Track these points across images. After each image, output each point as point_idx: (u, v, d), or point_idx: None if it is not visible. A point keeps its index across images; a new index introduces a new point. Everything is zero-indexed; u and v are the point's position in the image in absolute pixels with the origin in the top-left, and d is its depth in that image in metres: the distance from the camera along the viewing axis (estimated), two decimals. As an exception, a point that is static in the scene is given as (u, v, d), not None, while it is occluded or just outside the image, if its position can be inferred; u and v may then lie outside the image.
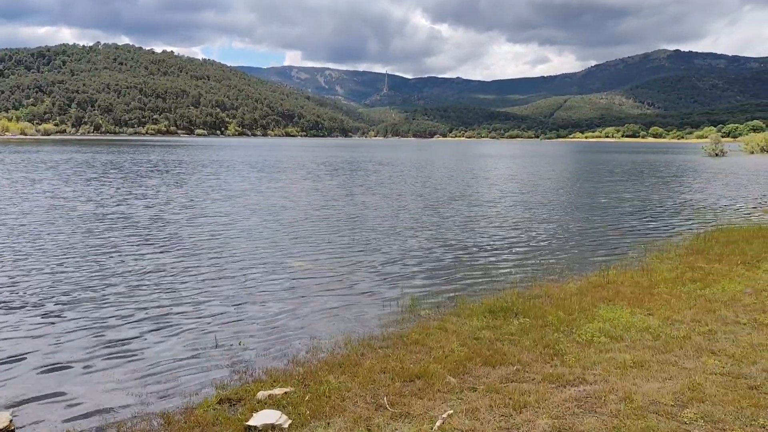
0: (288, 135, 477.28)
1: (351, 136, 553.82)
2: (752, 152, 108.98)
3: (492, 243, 16.40)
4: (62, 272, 12.43)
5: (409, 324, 9.09)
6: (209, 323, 9.24)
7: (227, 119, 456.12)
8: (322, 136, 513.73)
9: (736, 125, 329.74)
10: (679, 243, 16.22)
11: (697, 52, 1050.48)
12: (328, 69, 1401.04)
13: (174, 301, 10.44)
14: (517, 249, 15.50)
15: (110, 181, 34.52)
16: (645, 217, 22.08)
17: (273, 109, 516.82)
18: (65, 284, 11.49)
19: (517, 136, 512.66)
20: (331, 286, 11.55)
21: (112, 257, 13.92)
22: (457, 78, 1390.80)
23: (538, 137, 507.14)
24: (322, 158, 77.18)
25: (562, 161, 78.75)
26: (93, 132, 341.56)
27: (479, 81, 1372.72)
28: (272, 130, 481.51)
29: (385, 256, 14.23)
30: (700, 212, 23.66)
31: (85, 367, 7.58)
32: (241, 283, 11.67)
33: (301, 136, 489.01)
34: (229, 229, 18.20)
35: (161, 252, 14.65)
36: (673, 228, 19.59)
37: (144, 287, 11.34)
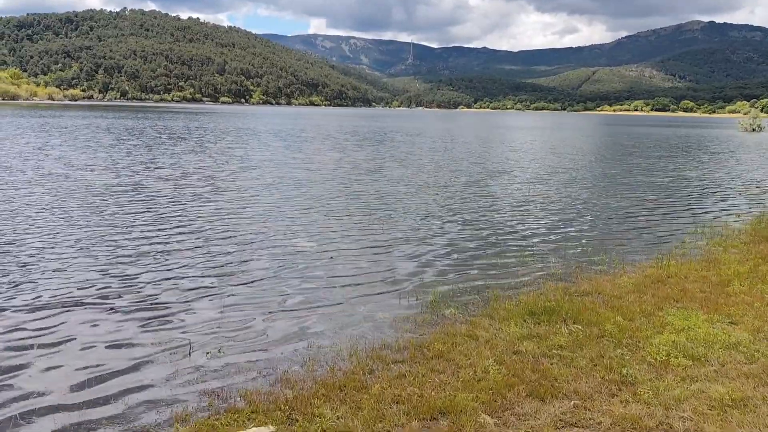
0: (312, 104, 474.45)
1: (375, 106, 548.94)
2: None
3: (529, 226, 14.53)
4: (43, 245, 10.93)
5: (431, 328, 7.39)
6: (187, 321, 7.64)
7: (252, 87, 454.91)
8: (346, 106, 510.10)
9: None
10: (739, 228, 14.22)
11: (732, 24, 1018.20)
12: (353, 38, 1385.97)
13: (151, 288, 8.86)
14: (557, 233, 13.63)
15: (127, 148, 33.10)
16: (694, 197, 19.97)
17: (297, 78, 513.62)
18: (48, 258, 9.98)
19: (543, 108, 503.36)
20: (340, 274, 9.87)
21: (100, 234, 12.40)
22: (483, 48, 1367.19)
23: (564, 109, 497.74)
24: (348, 128, 75.09)
25: (596, 134, 75.79)
26: (119, 98, 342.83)
27: (506, 51, 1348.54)
28: (296, 99, 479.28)
29: (407, 240, 12.48)
30: (754, 192, 21.46)
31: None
32: (236, 268, 10.04)
33: (325, 105, 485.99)
34: (239, 204, 16.57)
35: (152, 229, 13.08)
36: (728, 209, 17.51)
37: (124, 266, 9.78)
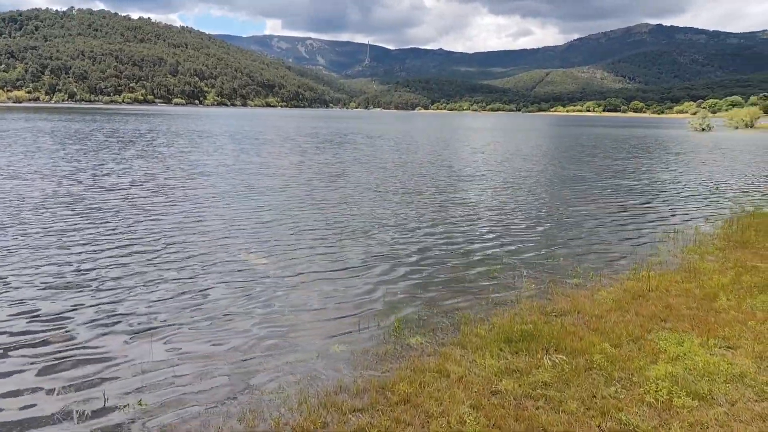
0: (268, 105, 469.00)
1: (332, 107, 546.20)
2: (736, 127, 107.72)
3: (497, 237, 13.69)
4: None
5: (395, 362, 6.40)
6: (104, 356, 6.47)
7: (206, 88, 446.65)
8: (303, 107, 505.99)
9: (716, 100, 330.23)
10: (711, 232, 13.69)
11: (678, 27, 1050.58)
12: (310, 39, 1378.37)
13: (72, 324, 7.63)
14: (527, 243, 12.82)
15: (70, 154, 31.07)
16: (661, 199, 19.53)
17: (253, 79, 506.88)
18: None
19: (498, 109, 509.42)
20: (293, 296, 8.79)
21: (20, 250, 11.01)
22: (439, 49, 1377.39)
23: (519, 110, 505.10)
24: (307, 129, 73.39)
25: (555, 135, 76.19)
26: (67, 100, 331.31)
27: (461, 53, 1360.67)
28: (252, 101, 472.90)
29: (367, 254, 11.47)
30: (718, 193, 21.20)
31: None
32: (175, 293, 8.86)
33: (281, 106, 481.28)
34: (189, 216, 15.25)
35: (85, 248, 11.74)
36: (696, 212, 17.07)
37: (41, 296, 8.49)
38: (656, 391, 5.44)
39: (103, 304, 8.21)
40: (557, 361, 6.17)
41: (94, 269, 9.82)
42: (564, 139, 64.36)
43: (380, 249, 11.72)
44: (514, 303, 8.43)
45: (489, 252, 11.69)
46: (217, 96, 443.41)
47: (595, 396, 5.42)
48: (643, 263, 10.78)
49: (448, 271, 10.24)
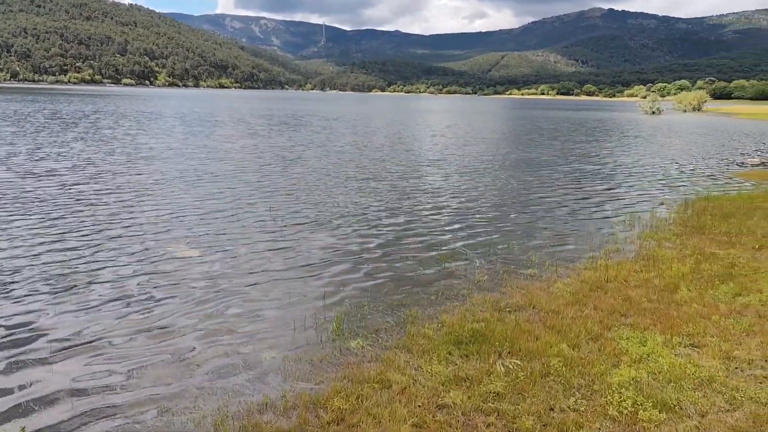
0: (222, 86, 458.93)
1: (287, 89, 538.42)
2: (685, 110, 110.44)
3: (449, 224, 13.07)
4: None
5: (332, 371, 5.68)
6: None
7: (156, 68, 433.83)
8: (258, 88, 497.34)
9: (665, 84, 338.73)
10: (668, 217, 13.38)
11: (629, 12, 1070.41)
12: (264, 18, 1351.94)
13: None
14: (481, 229, 12.25)
15: (4, 137, 29.11)
16: (617, 184, 19.27)
17: (205, 59, 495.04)
18: None
19: (455, 92, 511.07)
20: (222, 294, 7.96)
21: None
22: (396, 31, 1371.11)
23: (475, 93, 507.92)
24: (262, 111, 71.25)
25: (513, 118, 76.31)
26: (9, 80, 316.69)
27: (418, 35, 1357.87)
28: (205, 81, 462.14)
29: (313, 246, 10.67)
30: (673, 177, 21.12)
31: None
32: (92, 294, 7.93)
33: (235, 87, 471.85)
34: (119, 204, 14.17)
35: (14, 242, 10.62)
36: (652, 196, 16.83)
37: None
38: (620, 402, 4.87)
39: (16, 314, 7.24)
40: (511, 366, 5.56)
41: (10, 268, 8.78)
42: (522, 122, 64.45)
43: (327, 240, 10.96)
44: (466, 297, 7.81)
45: (441, 240, 11.05)
46: (169, 76, 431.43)
47: (552, 409, 4.83)
48: (600, 251, 10.33)
49: (398, 262, 9.55)
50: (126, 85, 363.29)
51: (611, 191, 17.39)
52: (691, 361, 5.63)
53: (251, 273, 8.78)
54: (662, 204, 15.34)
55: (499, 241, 11.03)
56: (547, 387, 5.20)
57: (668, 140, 38.92)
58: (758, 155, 28.84)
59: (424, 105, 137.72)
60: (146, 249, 9.87)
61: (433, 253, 10.06)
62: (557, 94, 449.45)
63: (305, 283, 8.41)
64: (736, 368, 5.53)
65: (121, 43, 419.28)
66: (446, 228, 12.03)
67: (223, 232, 11.23)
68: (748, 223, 12.13)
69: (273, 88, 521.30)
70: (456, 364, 5.66)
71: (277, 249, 10.12)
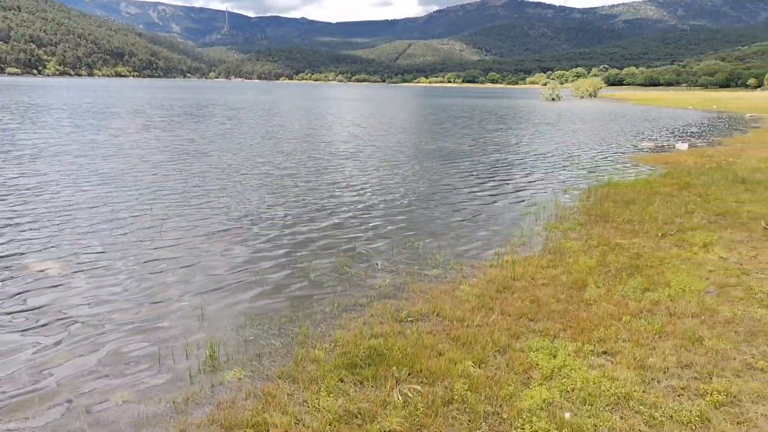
0: (118, 75, 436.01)
1: (189, 78, 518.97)
2: (582, 97, 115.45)
3: (350, 221, 12.30)
4: None
5: (198, 415, 4.73)
6: None
7: (45, 57, 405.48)
8: (158, 77, 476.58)
9: (563, 71, 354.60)
10: (572, 205, 13.21)
11: (528, 1, 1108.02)
12: (162, 4, 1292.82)
13: None
14: (384, 226, 11.54)
15: None
16: (523, 173, 19.14)
17: (99, 47, 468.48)
18: None
19: (364, 80, 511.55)
20: (82, 319, 6.77)
21: None
22: (302, 18, 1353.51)
23: (384, 81, 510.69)
24: (162, 101, 67.17)
25: (423, 106, 76.48)
26: None
27: (324, 22, 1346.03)
28: (99, 70, 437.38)
29: (193, 252, 9.55)
30: (573, 162, 21.33)
31: None
32: None
33: (133, 76, 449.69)
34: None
35: None
36: (555, 184, 16.77)
37: None
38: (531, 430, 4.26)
39: None
40: (410, 394, 4.84)
41: None
42: (435, 110, 64.62)
43: (215, 247, 9.87)
44: (365, 307, 7.05)
45: (343, 242, 10.23)
46: (59, 65, 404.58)
47: (457, 449, 4.14)
48: (506, 245, 9.87)
49: (294, 270, 8.64)
50: (11, 74, 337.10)
51: (519, 181, 17.20)
52: (606, 374, 5.13)
53: (116, 292, 7.61)
54: (566, 192, 15.25)
55: (404, 239, 10.34)
56: (451, 418, 4.51)
57: (570, 126, 39.99)
58: (651, 139, 29.96)
59: (334, 93, 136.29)
60: (7, 262, 8.42)
61: (332, 257, 9.21)
62: (463, 82, 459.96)
63: (180, 300, 7.34)
64: (653, 379, 5.07)
65: (3, 29, 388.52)
66: (351, 228, 11.22)
67: (96, 241, 9.88)
68: (649, 209, 12.12)
69: (174, 77, 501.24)
70: (348, 395, 4.88)
71: (153, 260, 8.93)
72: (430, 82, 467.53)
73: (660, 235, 10.08)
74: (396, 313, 6.72)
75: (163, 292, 7.58)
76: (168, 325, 6.56)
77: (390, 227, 11.22)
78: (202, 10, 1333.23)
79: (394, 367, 5.23)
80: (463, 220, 11.93)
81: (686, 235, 9.96)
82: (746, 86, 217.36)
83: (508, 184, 16.46)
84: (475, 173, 18.20)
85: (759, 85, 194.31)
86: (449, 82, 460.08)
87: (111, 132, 28.80)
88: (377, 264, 8.79)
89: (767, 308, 6.66)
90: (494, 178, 17.34)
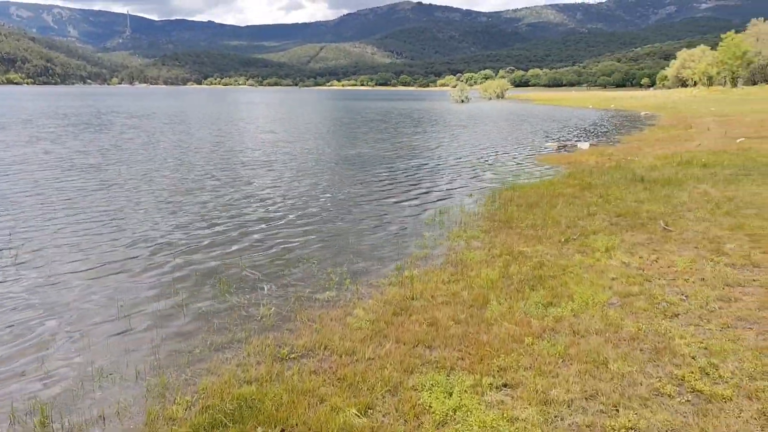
0: (11, 82, 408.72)
1: (90, 84, 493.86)
2: (490, 98, 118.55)
3: (243, 237, 11.36)
4: None
5: None
6: None
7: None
8: (55, 84, 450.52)
9: (472, 74, 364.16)
10: (476, 211, 12.83)
11: (436, 5, 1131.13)
12: (57, 7, 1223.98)
13: None
14: (274, 243, 10.68)
15: None
16: (432, 178, 18.73)
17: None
18: None
19: (276, 84, 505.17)
20: None
21: None
22: (209, 22, 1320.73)
23: (296, 84, 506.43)
24: (58, 110, 62.06)
25: (335, 110, 75.56)
26: None
27: (233, 26, 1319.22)
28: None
29: (46, 289, 8.37)
30: (479, 165, 21.20)
31: None
32: None
33: (28, 83, 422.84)
34: None
35: None
36: (461, 187, 16.45)
37: None
38: (418, 505, 3.58)
39: None
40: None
41: None
42: (349, 113, 63.84)
43: (79, 281, 8.68)
44: (241, 343, 6.19)
45: (229, 263, 9.27)
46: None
47: None
48: (408, 258, 9.27)
49: (164, 301, 7.63)
50: None
51: (427, 187, 16.72)
52: (505, 414, 4.54)
53: (-52, 338, 6.37)
54: (471, 196, 14.92)
55: (299, 257, 9.51)
56: (325, 490, 3.77)
57: (479, 128, 40.40)
58: (554, 139, 30.58)
59: (245, 98, 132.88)
60: None
61: (214, 284, 8.23)
62: (376, 84, 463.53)
63: (23, 350, 6.21)
64: (556, 416, 4.53)
65: None
66: (246, 248, 10.26)
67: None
68: (552, 212, 11.91)
69: (73, 83, 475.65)
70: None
71: (5, 299, 7.68)
72: (343, 86, 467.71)
73: (563, 240, 9.79)
74: (277, 350, 5.91)
75: (5, 346, 6.41)
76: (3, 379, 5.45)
77: (289, 244, 10.35)
78: (101, 13, 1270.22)
79: (259, 428, 4.42)
80: (365, 233, 11.24)
81: (589, 240, 9.72)
82: (640, 85, 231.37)
83: (416, 190, 15.96)
84: (385, 180, 17.58)
85: (652, 84, 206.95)
86: (362, 85, 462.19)
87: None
88: (264, 288, 7.93)
89: (670, 319, 6.36)
90: (403, 185, 16.80)
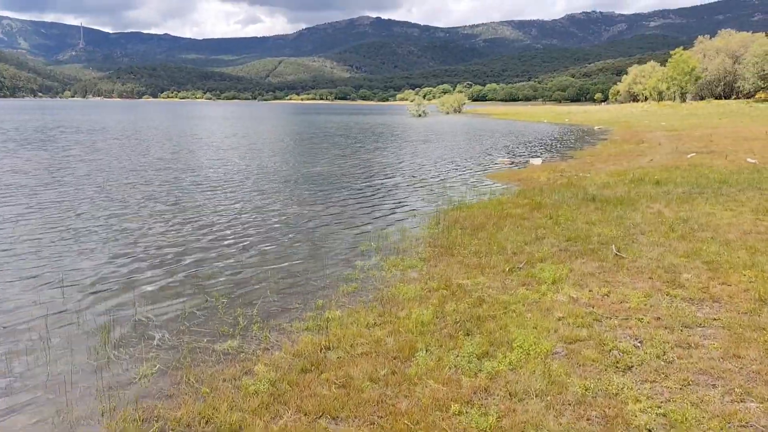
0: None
1: (41, 97, 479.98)
2: (447, 112, 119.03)
3: (141, 274, 10.10)
4: None
5: None
6: None
7: None
8: (4, 96, 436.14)
9: (431, 88, 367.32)
10: (416, 234, 11.82)
11: (395, 20, 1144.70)
12: (6, 18, 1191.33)
13: None
14: (177, 278, 9.47)
15: None
16: (373, 194, 17.72)
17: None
18: None
19: (234, 98, 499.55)
20: None
21: None
22: (166, 35, 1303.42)
23: (255, 98, 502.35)
24: (3, 124, 59.13)
25: (294, 124, 74.08)
26: None
27: (189, 39, 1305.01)
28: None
29: None
30: (427, 183, 20.27)
31: None
32: None
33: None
34: None
35: None
36: (404, 205, 15.46)
37: None
38: None
39: None
40: None
41: None
42: (309, 128, 62.32)
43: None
44: (102, 418, 4.97)
45: (120, 303, 8.00)
46: None
47: None
48: (333, 294, 8.17)
49: (32, 358, 6.35)
50: None
51: (374, 207, 15.62)
52: None
53: None
54: (415, 216, 13.93)
55: (207, 294, 8.31)
56: None
57: (436, 143, 39.69)
58: (507, 155, 30.00)
59: (202, 112, 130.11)
60: None
61: (96, 331, 6.98)
62: (335, 98, 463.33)
63: None
64: None
65: None
66: (146, 283, 9.00)
67: None
68: (498, 236, 11.00)
69: (23, 97, 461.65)
70: None
71: None
72: (302, 100, 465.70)
73: (507, 270, 8.84)
74: (144, 427, 4.73)
75: None
76: None
77: (200, 278, 9.13)
78: (53, 25, 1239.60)
79: None
80: (293, 260, 10.09)
81: (535, 269, 8.80)
82: (594, 100, 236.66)
83: (362, 211, 14.86)
84: (334, 201, 16.36)
85: (605, 99, 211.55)
86: (321, 99, 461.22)
87: None
88: (154, 337, 6.71)
89: (623, 374, 5.42)
90: (351, 206, 15.64)
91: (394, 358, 5.92)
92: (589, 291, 7.78)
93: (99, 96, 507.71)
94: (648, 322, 6.64)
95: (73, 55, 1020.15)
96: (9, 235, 11.67)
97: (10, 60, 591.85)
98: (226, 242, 11.41)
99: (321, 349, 6.22)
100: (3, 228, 12.31)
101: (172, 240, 11.55)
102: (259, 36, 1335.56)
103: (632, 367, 5.57)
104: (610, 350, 5.92)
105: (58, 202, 15.38)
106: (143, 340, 6.64)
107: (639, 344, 6.06)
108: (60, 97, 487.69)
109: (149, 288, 8.60)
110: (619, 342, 6.10)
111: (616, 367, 5.56)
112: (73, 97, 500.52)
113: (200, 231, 12.34)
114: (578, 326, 6.56)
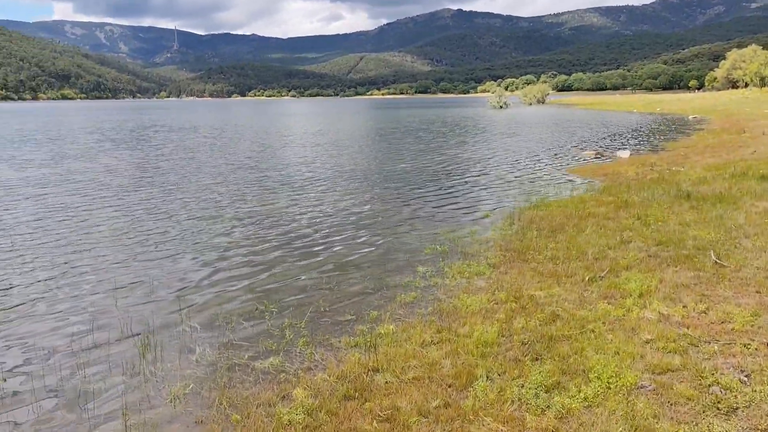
0: (65, 98, 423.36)
1: (140, 98, 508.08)
2: (530, 104, 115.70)
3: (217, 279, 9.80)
4: None
5: None
6: None
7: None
8: (106, 98, 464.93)
9: (513, 79, 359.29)
10: (487, 236, 10.94)
11: (477, 12, 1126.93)
12: (108, 24, 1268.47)
13: None
14: (233, 285, 9.09)
15: None
16: (454, 194, 16.90)
17: (44, 69, 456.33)
18: None
19: (317, 95, 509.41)
20: None
21: None
22: (253, 35, 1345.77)
23: (337, 95, 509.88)
24: (97, 125, 61.96)
25: (377, 120, 74.18)
26: None
27: (276, 38, 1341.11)
28: (44, 93, 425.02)
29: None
30: (505, 179, 19.19)
31: None
32: None
33: (81, 98, 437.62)
34: None
35: None
36: (478, 204, 14.57)
37: None
38: None
39: None
40: None
41: None
42: (391, 123, 62.15)
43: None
44: (122, 449, 4.55)
45: (168, 310, 7.68)
46: (0, 89, 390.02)
47: None
48: (389, 305, 7.50)
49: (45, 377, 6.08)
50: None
51: (445, 205, 14.86)
52: None
53: None
54: (487, 216, 13.02)
55: (257, 302, 7.85)
56: None
57: (512, 135, 38.22)
58: (592, 147, 28.26)
59: (289, 109, 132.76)
60: None
61: (134, 343, 6.65)
62: (416, 92, 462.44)
63: None
64: None
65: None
66: (202, 289, 8.68)
67: None
68: (578, 239, 9.96)
69: (123, 98, 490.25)
70: None
71: None
72: (383, 94, 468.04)
73: (587, 279, 7.86)
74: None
75: None
76: None
77: (257, 284, 8.71)
78: (150, 29, 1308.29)
79: None
80: (351, 266, 9.51)
81: (619, 279, 7.77)
82: (688, 88, 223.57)
83: (432, 210, 14.13)
84: (409, 199, 15.78)
85: (700, 87, 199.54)
86: (402, 93, 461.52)
87: (16, 163, 25.39)
88: (195, 351, 6.28)
89: (725, 417, 4.43)
90: (426, 206, 14.99)
91: (449, 386, 5.18)
92: (683, 307, 6.70)
93: (192, 96, 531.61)
94: (756, 349, 5.55)
95: (167, 57, 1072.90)
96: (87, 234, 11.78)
97: (111, 64, 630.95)
98: (293, 245, 10.97)
99: (368, 371, 5.57)
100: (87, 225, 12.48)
101: (238, 241, 11.26)
102: (341, 33, 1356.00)
103: (737, 408, 4.57)
104: (710, 385, 4.91)
105: (146, 201, 15.58)
106: (183, 354, 6.23)
107: (746, 378, 5.02)
108: (156, 98, 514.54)
109: (201, 292, 8.25)
110: (721, 374, 5.08)
111: (717, 408, 4.57)
112: (168, 97, 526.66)
113: (270, 233, 11.99)
114: (670, 352, 5.57)
